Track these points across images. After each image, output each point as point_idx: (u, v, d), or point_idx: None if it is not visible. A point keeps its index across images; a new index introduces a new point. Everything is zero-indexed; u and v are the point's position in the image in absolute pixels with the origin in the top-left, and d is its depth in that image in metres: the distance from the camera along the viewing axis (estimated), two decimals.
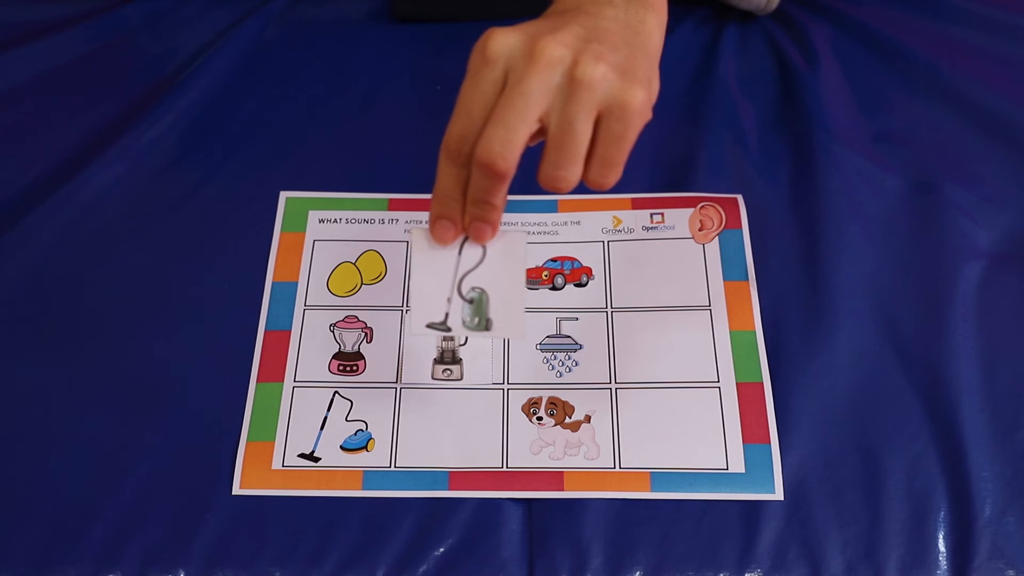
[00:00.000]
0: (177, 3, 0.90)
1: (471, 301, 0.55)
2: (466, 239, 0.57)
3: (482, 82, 0.51)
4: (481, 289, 0.55)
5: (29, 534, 0.62)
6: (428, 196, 0.75)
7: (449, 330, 0.55)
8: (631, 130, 0.51)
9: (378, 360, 0.69)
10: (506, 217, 0.75)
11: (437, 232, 0.55)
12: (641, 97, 0.51)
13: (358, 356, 0.69)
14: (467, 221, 0.54)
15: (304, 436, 0.66)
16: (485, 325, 0.55)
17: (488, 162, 0.51)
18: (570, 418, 0.67)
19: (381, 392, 0.68)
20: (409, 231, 0.54)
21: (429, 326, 0.56)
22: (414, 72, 0.86)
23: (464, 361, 0.69)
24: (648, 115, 0.52)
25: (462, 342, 0.58)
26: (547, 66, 0.50)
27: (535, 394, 0.68)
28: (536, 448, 0.65)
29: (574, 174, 0.51)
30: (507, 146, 0.50)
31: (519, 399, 0.67)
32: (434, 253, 0.56)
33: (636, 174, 0.77)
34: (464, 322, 0.55)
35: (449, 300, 0.55)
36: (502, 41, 0.51)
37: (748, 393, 0.67)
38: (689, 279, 0.72)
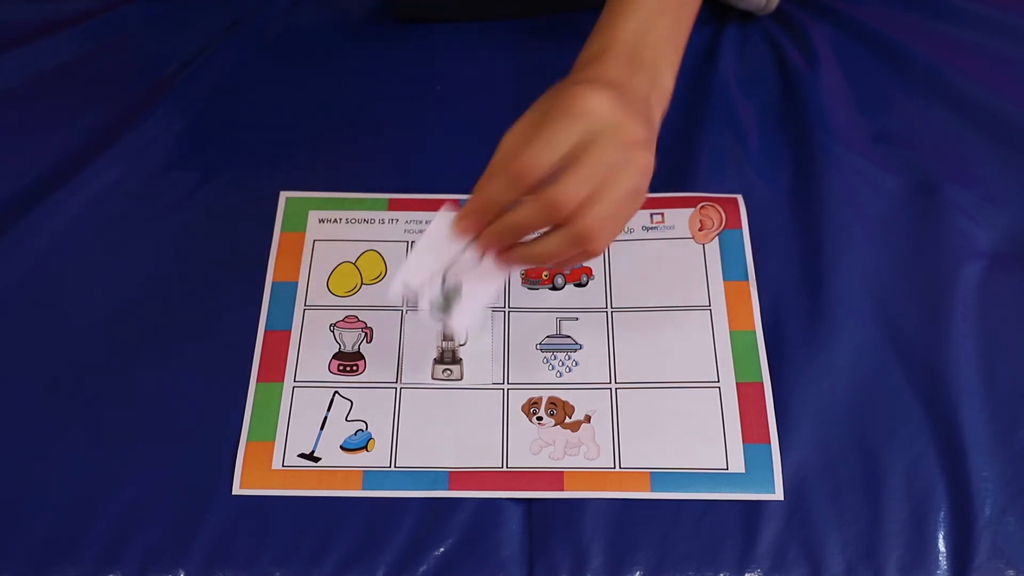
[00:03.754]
0: (177, 3, 0.90)
1: (446, 288, 0.61)
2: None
3: (568, 133, 0.55)
4: (459, 282, 0.61)
5: (29, 534, 0.62)
6: (428, 196, 0.76)
7: (416, 301, 0.61)
8: (639, 198, 0.59)
9: (378, 360, 0.69)
10: None
11: (463, 226, 0.59)
12: (644, 184, 0.59)
13: (358, 356, 0.69)
14: (489, 234, 0.59)
15: (304, 436, 0.66)
16: (446, 310, 0.61)
17: (557, 207, 0.55)
18: (570, 418, 0.67)
19: (381, 392, 0.68)
20: (443, 208, 0.60)
21: (405, 287, 0.61)
22: (414, 72, 0.86)
23: (464, 361, 0.69)
24: (640, 202, 0.59)
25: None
26: (633, 147, 0.56)
27: (535, 394, 0.68)
28: (536, 448, 0.65)
29: (590, 213, 0.56)
30: (589, 206, 0.55)
31: (519, 399, 0.67)
32: (444, 237, 0.60)
33: None
34: (432, 301, 0.61)
35: (431, 277, 0.61)
36: (599, 105, 0.56)
37: (748, 393, 0.67)
38: (689, 279, 0.72)
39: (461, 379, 0.68)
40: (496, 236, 0.58)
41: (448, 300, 0.61)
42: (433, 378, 0.68)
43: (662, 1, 0.63)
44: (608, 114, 0.56)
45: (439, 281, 0.61)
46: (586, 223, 0.56)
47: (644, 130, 0.58)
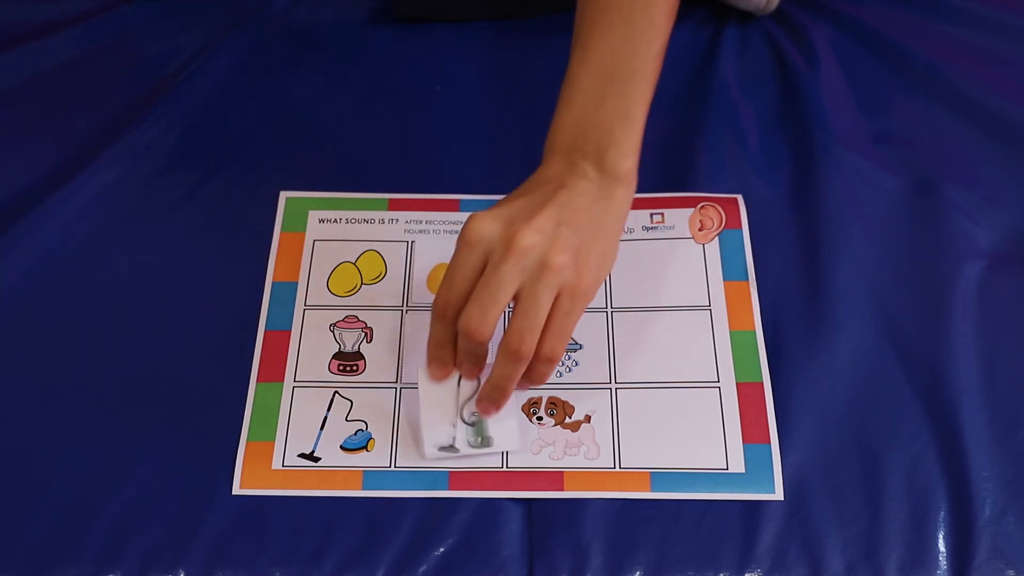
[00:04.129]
0: (177, 3, 0.90)
1: (472, 424, 0.64)
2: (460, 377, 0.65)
3: (464, 262, 0.60)
4: (477, 414, 0.65)
5: (29, 534, 0.62)
6: (428, 196, 0.77)
7: (457, 451, 0.64)
8: (578, 308, 0.61)
9: (378, 360, 0.69)
10: None
11: (434, 372, 0.64)
12: (589, 283, 0.61)
13: (358, 356, 0.69)
14: (458, 365, 0.64)
15: (304, 436, 0.66)
16: (486, 442, 0.64)
17: (467, 332, 0.60)
18: (570, 418, 0.67)
19: (381, 392, 0.68)
20: (417, 372, 0.65)
21: (440, 448, 0.64)
22: (414, 72, 0.86)
23: None
24: (592, 297, 0.62)
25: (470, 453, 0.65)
26: (521, 254, 0.59)
27: (535, 394, 0.67)
28: (536, 448, 0.65)
29: (533, 341, 0.60)
30: (483, 321, 0.59)
31: (519, 399, 0.67)
32: (437, 387, 0.65)
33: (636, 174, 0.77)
34: (469, 442, 0.64)
35: (454, 425, 0.64)
36: (482, 228, 0.60)
37: (748, 393, 0.67)
38: (689, 279, 0.72)
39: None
40: (463, 365, 0.64)
41: (481, 431, 0.64)
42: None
43: (604, 86, 0.64)
44: (497, 233, 0.59)
45: (461, 424, 0.64)
46: (509, 337, 0.60)
47: (545, 229, 0.59)
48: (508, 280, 0.59)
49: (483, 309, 0.59)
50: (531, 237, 0.59)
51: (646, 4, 0.65)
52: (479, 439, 0.64)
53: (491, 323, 0.60)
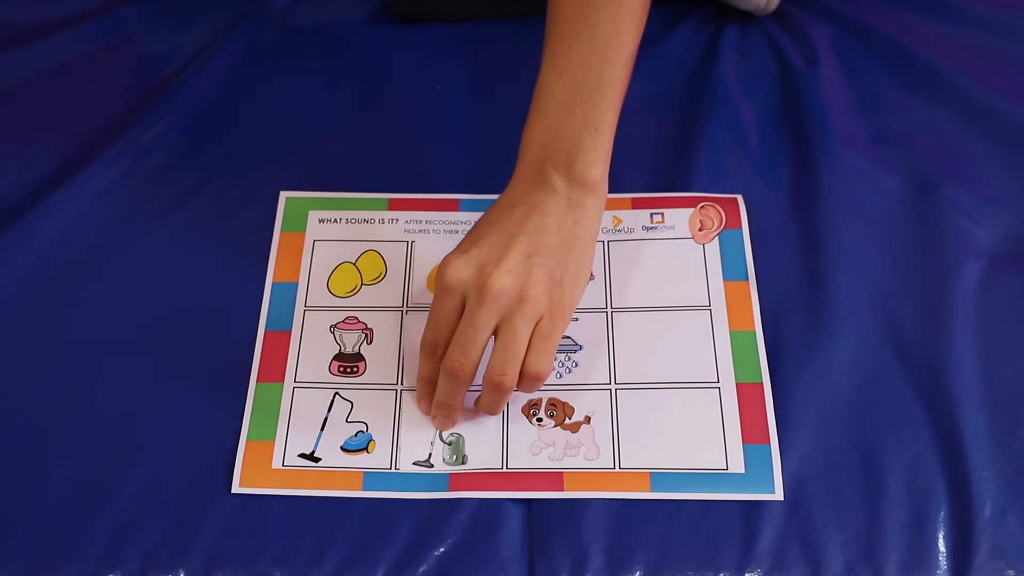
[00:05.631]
0: (177, 3, 0.90)
1: (450, 443, 0.66)
2: None
3: (444, 306, 0.63)
4: (458, 434, 0.66)
5: (29, 534, 0.62)
6: (428, 196, 0.77)
7: (432, 467, 0.65)
8: (559, 328, 0.64)
9: (378, 361, 0.69)
10: None
11: (422, 407, 0.67)
12: (566, 302, 0.64)
13: (358, 357, 0.69)
14: (433, 412, 0.66)
15: (304, 436, 0.66)
16: (462, 460, 0.65)
17: (450, 373, 0.63)
18: (570, 419, 0.67)
19: (382, 394, 0.68)
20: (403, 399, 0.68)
21: (415, 463, 0.65)
22: (414, 72, 0.86)
23: None
24: (572, 311, 0.65)
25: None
26: (495, 299, 0.61)
27: (535, 395, 0.67)
28: (536, 449, 0.65)
29: (514, 372, 0.62)
30: (464, 363, 0.62)
31: (519, 400, 0.67)
32: (418, 408, 0.67)
33: (636, 174, 0.77)
34: (444, 459, 0.65)
35: (432, 443, 0.66)
36: (457, 274, 0.62)
37: (748, 393, 0.67)
38: (689, 279, 0.72)
39: None
40: (438, 408, 0.66)
41: (457, 450, 0.66)
42: None
43: (573, 94, 0.65)
44: (471, 279, 0.62)
45: (439, 442, 0.66)
46: (491, 371, 0.63)
47: (515, 268, 0.62)
48: (484, 323, 0.62)
49: (463, 352, 0.62)
50: (503, 280, 0.61)
51: (612, 13, 0.66)
52: (455, 457, 0.65)
53: (472, 364, 0.63)
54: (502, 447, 0.65)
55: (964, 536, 0.62)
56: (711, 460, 0.65)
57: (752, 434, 0.65)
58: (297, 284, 0.72)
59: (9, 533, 0.62)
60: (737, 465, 0.64)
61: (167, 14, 0.89)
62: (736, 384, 0.67)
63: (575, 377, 0.68)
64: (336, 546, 0.61)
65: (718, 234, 0.74)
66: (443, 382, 0.64)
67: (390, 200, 0.77)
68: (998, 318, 0.70)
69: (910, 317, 0.70)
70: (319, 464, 0.65)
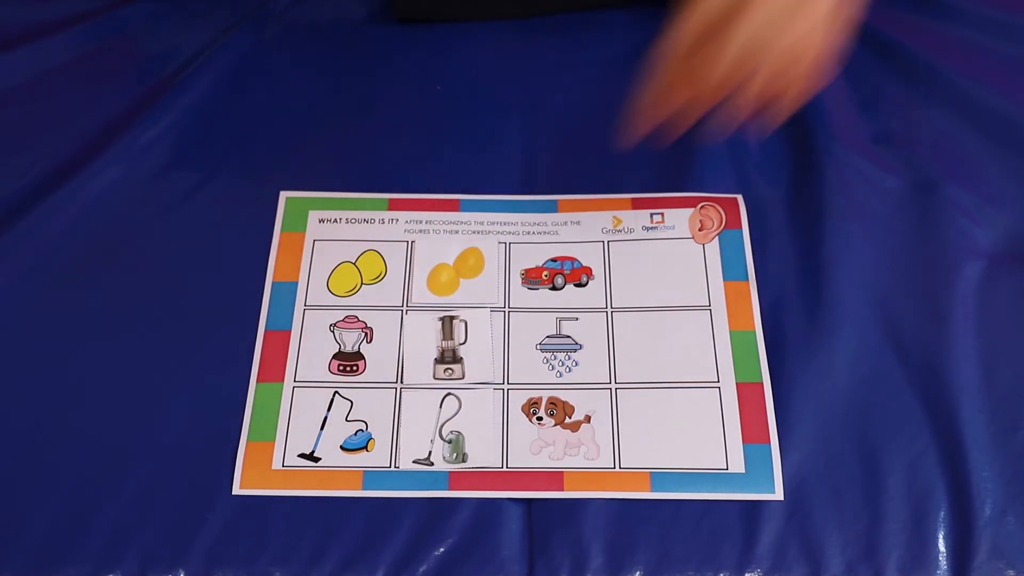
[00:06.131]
0: (177, 3, 0.90)
1: (450, 441, 0.66)
2: (446, 396, 0.67)
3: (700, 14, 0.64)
4: (458, 432, 0.66)
5: (29, 534, 0.62)
6: (428, 196, 0.76)
7: (432, 464, 0.65)
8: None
9: (378, 360, 0.69)
10: (506, 217, 0.75)
11: (644, 119, 0.68)
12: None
13: (358, 356, 0.69)
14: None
15: (304, 436, 0.66)
16: (463, 459, 0.65)
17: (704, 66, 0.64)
18: (570, 418, 0.67)
19: (381, 392, 0.68)
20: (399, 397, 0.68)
21: (415, 461, 0.65)
22: (414, 72, 0.86)
23: (465, 361, 0.69)
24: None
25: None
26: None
27: (535, 394, 0.68)
28: (536, 448, 0.65)
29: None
30: (717, 59, 0.64)
31: (519, 399, 0.67)
32: (420, 404, 0.67)
33: (636, 174, 0.77)
34: (444, 457, 0.65)
35: (432, 441, 0.66)
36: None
37: (748, 393, 0.67)
38: (689, 279, 0.72)
39: (463, 378, 0.68)
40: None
41: (457, 448, 0.65)
42: (435, 378, 0.68)
43: None
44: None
45: (439, 440, 0.66)
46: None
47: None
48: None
49: (717, 52, 0.63)
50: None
51: None
52: (455, 455, 0.65)
53: (723, 63, 0.63)
54: (502, 446, 0.65)
55: (964, 536, 0.62)
56: (711, 460, 0.65)
57: (752, 434, 0.65)
58: (297, 284, 0.72)
59: (9, 533, 0.62)
60: (737, 465, 0.64)
61: (167, 14, 0.89)
62: (736, 384, 0.67)
63: (575, 376, 0.68)
64: (336, 546, 0.62)
65: (718, 234, 0.74)
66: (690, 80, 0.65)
67: (390, 200, 0.77)
68: (998, 318, 0.70)
69: (910, 317, 0.70)
70: (319, 464, 0.65)
